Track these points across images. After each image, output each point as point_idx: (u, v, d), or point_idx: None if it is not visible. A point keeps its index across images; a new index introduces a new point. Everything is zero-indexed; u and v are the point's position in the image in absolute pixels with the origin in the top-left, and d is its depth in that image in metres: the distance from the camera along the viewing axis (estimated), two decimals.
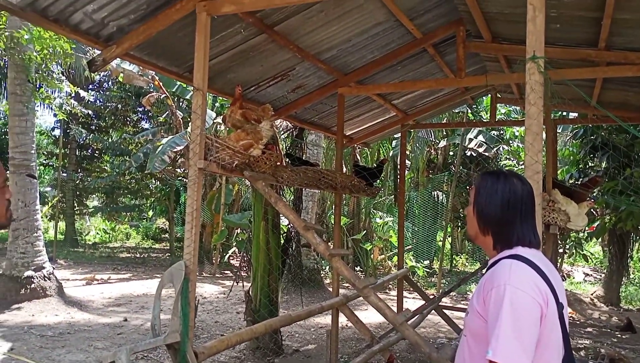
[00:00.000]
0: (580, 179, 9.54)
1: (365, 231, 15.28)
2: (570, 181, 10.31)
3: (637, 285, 14.77)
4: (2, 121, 21.27)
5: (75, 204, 23.03)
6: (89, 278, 12.55)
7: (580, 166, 11.22)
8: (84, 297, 10.02)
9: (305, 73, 5.72)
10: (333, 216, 8.48)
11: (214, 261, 15.28)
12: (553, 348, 1.58)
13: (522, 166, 13.47)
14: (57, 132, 22.01)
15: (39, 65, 9.33)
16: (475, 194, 1.78)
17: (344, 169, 10.46)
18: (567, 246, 12.74)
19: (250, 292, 6.55)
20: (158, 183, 21.68)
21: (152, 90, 14.47)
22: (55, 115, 16.71)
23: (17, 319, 7.96)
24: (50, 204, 17.07)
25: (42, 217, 10.17)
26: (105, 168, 23.36)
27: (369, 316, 8.85)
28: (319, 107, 6.88)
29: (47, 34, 8.34)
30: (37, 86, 9.59)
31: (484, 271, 1.79)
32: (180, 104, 16.88)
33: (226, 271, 15.24)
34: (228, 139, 3.92)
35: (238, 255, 16.84)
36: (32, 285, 8.96)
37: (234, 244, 16.46)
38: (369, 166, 8.39)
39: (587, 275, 16.71)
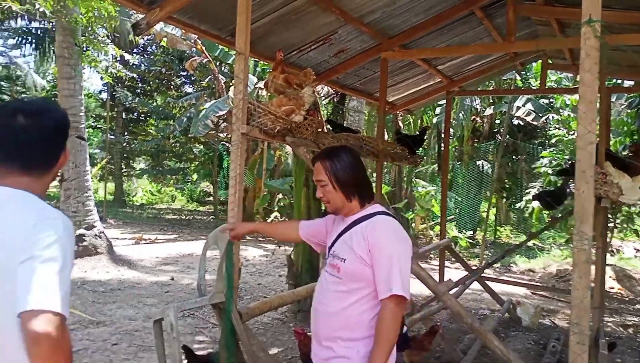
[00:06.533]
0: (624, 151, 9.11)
1: (406, 200, 15.17)
2: (624, 153, 9.88)
3: None
4: (51, 84, 21.95)
5: (123, 166, 23.80)
6: (138, 238, 13.03)
7: (634, 136, 10.70)
8: (133, 256, 10.42)
9: (348, 37, 5.60)
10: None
11: None
12: None
13: (573, 136, 12.95)
14: (104, 95, 22.60)
15: (85, 28, 9.46)
16: (329, 173, 2.13)
17: (386, 137, 10.34)
18: (618, 221, 12.28)
19: (292, 256, 6.64)
20: (202, 147, 22.05)
21: (194, 54, 14.58)
22: (101, 78, 17.13)
23: (71, 275, 8.36)
24: (99, 165, 17.66)
25: (91, 178, 10.54)
26: (151, 131, 23.90)
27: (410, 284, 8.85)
28: (362, 73, 6.76)
29: None
30: (84, 49, 9.76)
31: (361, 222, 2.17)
32: (223, 68, 16.97)
33: None
34: (270, 104, 3.91)
35: (280, 219, 17.10)
36: (84, 243, 9.37)
37: (275, 209, 16.69)
38: (412, 133, 8.24)
39: (638, 250, 16.16)
